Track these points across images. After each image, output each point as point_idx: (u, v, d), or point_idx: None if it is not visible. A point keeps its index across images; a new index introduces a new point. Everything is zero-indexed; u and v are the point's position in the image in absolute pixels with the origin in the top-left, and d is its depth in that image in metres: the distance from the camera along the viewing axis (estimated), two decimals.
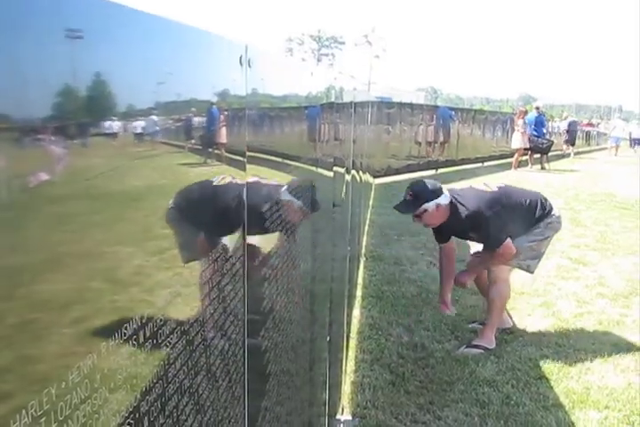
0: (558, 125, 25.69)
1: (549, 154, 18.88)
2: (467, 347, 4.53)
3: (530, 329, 5.02)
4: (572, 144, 24.95)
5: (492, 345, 4.56)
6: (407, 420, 3.56)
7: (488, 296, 4.73)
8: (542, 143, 17.73)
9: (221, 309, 1.10)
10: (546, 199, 4.65)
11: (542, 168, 18.33)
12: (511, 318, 5.11)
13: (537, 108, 18.82)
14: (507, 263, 4.54)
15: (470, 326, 4.97)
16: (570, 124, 24.87)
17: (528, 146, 17.72)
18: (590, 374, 4.21)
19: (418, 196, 4.34)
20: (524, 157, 18.47)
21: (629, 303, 5.75)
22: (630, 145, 32.85)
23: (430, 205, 4.31)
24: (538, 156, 18.37)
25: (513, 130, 18.49)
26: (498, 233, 4.37)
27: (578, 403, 3.80)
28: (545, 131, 19.15)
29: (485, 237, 4.47)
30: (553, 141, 18.92)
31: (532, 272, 4.68)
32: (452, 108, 20.24)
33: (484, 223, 4.33)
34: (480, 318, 5.10)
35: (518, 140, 17.89)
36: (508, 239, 4.34)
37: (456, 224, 4.41)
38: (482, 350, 4.49)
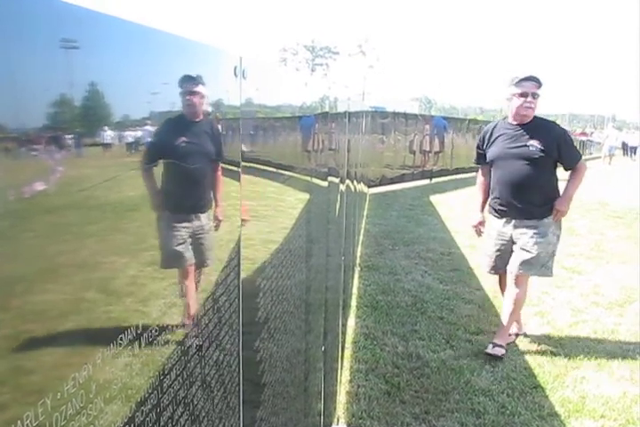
0: None
1: None
2: (494, 347, 4.61)
3: (525, 338, 5.01)
4: None
5: (509, 340, 4.80)
6: None
7: (506, 298, 4.81)
8: None
9: (216, 319, 1.10)
10: None
11: None
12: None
13: None
14: (535, 273, 4.70)
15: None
16: None
17: None
18: (586, 383, 4.20)
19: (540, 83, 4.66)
20: None
21: (624, 312, 5.76)
22: (624, 154, 32.98)
23: (541, 92, 4.66)
24: None
25: None
26: (577, 150, 4.91)
27: (573, 412, 3.80)
28: None
29: (570, 153, 4.71)
30: None
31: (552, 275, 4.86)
32: (445, 118, 20.29)
33: (568, 141, 4.79)
34: (474, 327, 5.12)
35: None
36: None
37: (536, 129, 4.62)
38: (504, 351, 4.61)
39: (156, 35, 0.82)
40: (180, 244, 0.78)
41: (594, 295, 6.24)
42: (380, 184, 14.60)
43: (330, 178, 2.98)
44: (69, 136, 0.62)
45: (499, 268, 4.85)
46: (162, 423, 0.82)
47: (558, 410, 3.81)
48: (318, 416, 2.75)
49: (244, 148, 1.28)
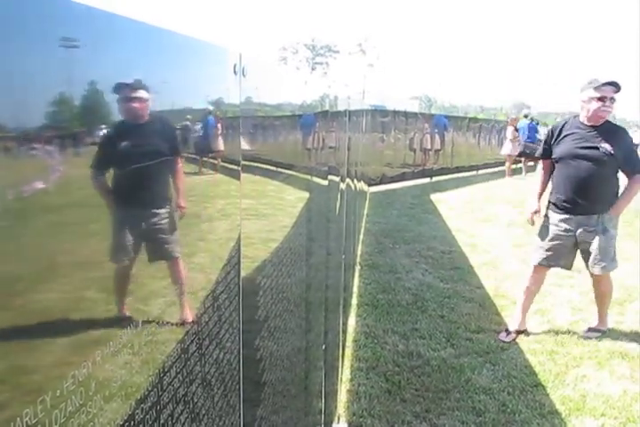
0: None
1: None
2: (589, 331, 5.11)
3: (525, 336, 5.02)
4: None
5: (606, 327, 5.18)
6: None
7: (597, 292, 5.19)
8: (536, 148, 17.85)
9: (216, 317, 1.10)
10: None
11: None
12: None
13: (525, 116, 18.91)
14: (610, 269, 5.02)
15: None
16: None
17: (516, 153, 17.84)
18: (586, 382, 4.21)
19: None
20: (519, 165, 18.53)
21: (624, 310, 5.76)
22: None
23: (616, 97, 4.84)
24: (532, 163, 18.44)
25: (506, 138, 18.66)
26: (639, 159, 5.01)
27: (574, 410, 3.80)
28: (538, 137, 19.23)
29: (633, 161, 4.90)
30: None
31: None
32: (446, 116, 20.28)
33: (634, 149, 4.99)
34: (475, 326, 5.13)
35: (507, 147, 18.04)
36: None
37: (607, 133, 4.80)
38: (600, 333, 5.06)
39: (154, 32, 0.82)
40: (136, 239, 0.78)
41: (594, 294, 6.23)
42: (381, 183, 14.59)
43: (330, 177, 2.98)
44: (69, 135, 0.62)
45: (552, 261, 5.06)
46: (162, 421, 0.82)
47: (559, 408, 3.81)
48: (319, 415, 2.75)
49: (243, 146, 1.28)
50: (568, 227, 4.90)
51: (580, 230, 4.88)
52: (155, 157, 0.83)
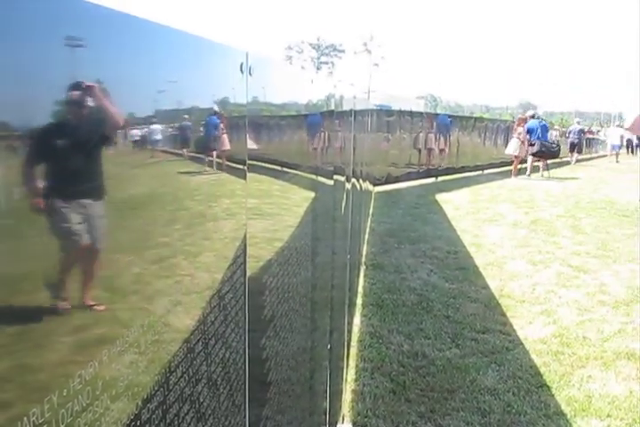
0: (571, 130, 25.61)
1: (550, 161, 18.94)
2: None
3: (531, 337, 5.01)
4: (579, 151, 24.79)
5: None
6: None
7: None
8: (552, 147, 17.97)
9: (222, 317, 1.09)
10: None
11: (542, 175, 18.36)
12: None
13: (532, 117, 18.89)
14: None
15: None
16: (571, 132, 24.98)
17: (523, 153, 17.89)
18: (592, 383, 4.19)
19: None
20: (524, 165, 18.50)
21: (630, 311, 5.74)
22: (627, 152, 32.77)
23: None
24: (537, 163, 18.42)
25: (513, 137, 18.67)
26: None
27: (580, 411, 3.79)
28: (549, 136, 19.27)
29: None
30: (560, 145, 19.16)
31: None
32: (451, 116, 20.26)
33: None
34: (480, 326, 5.12)
35: (513, 147, 18.06)
36: None
37: None
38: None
39: (161, 30, 0.82)
40: (76, 227, 0.78)
41: (600, 294, 6.22)
42: (386, 182, 14.57)
43: (336, 176, 2.98)
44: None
45: None
46: (167, 421, 0.82)
47: (564, 409, 3.80)
48: (324, 415, 2.75)
49: (250, 145, 1.28)
50: None
51: None
52: (86, 155, 0.83)
